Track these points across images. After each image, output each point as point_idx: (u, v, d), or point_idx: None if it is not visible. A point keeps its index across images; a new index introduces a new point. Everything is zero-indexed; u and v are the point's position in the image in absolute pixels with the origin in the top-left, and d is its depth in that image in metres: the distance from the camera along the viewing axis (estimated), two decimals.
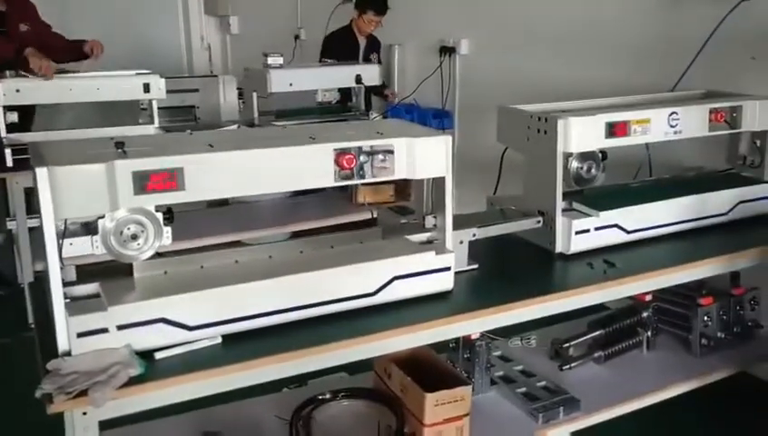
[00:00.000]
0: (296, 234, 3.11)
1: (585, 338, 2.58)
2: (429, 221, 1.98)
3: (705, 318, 2.60)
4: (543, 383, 2.39)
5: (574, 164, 2.26)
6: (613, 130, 2.22)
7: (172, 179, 1.54)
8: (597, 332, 2.59)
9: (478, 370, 2.36)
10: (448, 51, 4.66)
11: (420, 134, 1.84)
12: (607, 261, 2.17)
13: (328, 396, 2.24)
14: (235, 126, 3.99)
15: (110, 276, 1.64)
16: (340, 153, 1.71)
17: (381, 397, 2.24)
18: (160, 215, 1.60)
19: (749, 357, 2.64)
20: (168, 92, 4.85)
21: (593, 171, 2.29)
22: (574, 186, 2.29)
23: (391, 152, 1.77)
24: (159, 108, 4.72)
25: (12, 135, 3.56)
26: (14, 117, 3.57)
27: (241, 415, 2.17)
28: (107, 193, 1.47)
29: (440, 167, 1.85)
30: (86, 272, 1.64)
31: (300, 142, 1.72)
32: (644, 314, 2.64)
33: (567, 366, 2.48)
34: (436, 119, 4.62)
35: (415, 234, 1.98)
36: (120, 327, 1.51)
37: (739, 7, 2.92)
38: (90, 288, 1.60)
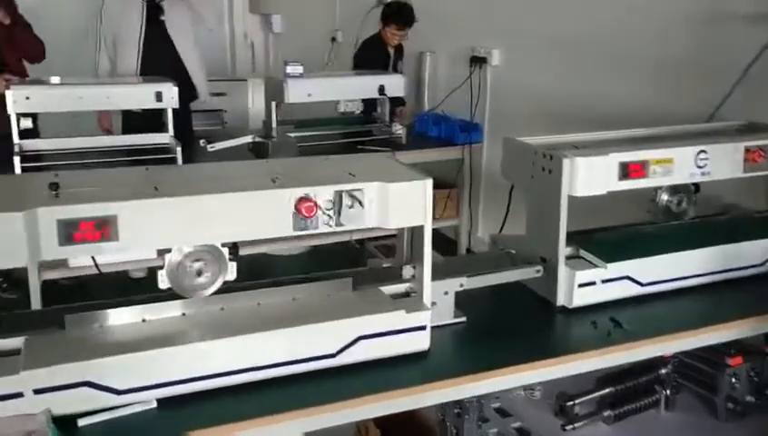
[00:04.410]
0: None
1: (593, 395, 2.35)
2: (407, 271, 1.78)
3: (733, 379, 2.33)
4: None
5: (663, 198, 2.16)
6: (627, 171, 1.97)
7: (104, 228, 1.38)
8: (608, 389, 2.35)
9: (468, 427, 2.15)
10: (478, 61, 4.43)
11: (397, 178, 1.64)
12: (614, 319, 1.93)
13: None
14: (250, 138, 3.85)
15: (42, 327, 1.50)
16: (301, 200, 1.53)
17: None
18: (225, 250, 1.55)
19: None
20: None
21: (683, 204, 2.20)
22: (661, 220, 2.20)
23: (360, 199, 1.58)
24: (191, 111, 4.68)
25: (23, 142, 3.51)
26: (27, 123, 3.52)
27: None
28: (26, 244, 1.33)
29: (418, 216, 1.64)
30: (19, 321, 1.51)
31: (257, 185, 1.54)
32: (664, 370, 2.39)
33: (571, 426, 2.26)
34: (463, 132, 4.39)
35: (391, 285, 1.79)
36: (37, 391, 1.37)
37: None
38: (14, 342, 1.46)
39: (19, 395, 1.36)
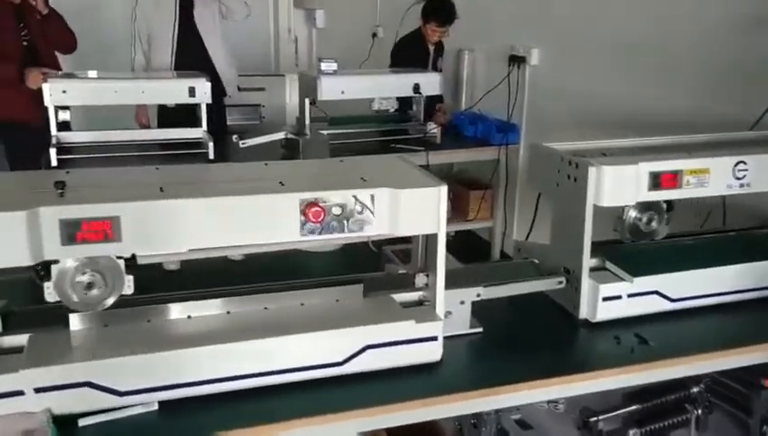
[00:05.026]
0: None
1: (619, 412, 2.25)
2: (420, 279, 1.73)
3: None
4: None
5: (631, 215, 1.95)
6: (658, 181, 1.87)
7: (106, 229, 1.37)
8: (635, 406, 2.25)
9: None
10: (517, 60, 4.33)
11: (410, 184, 1.58)
12: (639, 335, 1.84)
13: None
14: (282, 134, 3.84)
15: (47, 325, 1.50)
16: (308, 205, 1.49)
17: None
18: (122, 262, 1.44)
19: None
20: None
21: (653, 224, 1.97)
22: (628, 238, 1.98)
23: (369, 204, 1.53)
24: (226, 106, 4.71)
25: (60, 134, 3.58)
26: (65, 116, 3.58)
27: None
28: (28, 243, 1.32)
29: (430, 224, 1.59)
30: (22, 318, 1.51)
31: (265, 188, 1.51)
32: (695, 389, 2.27)
33: None
34: (500, 132, 4.30)
35: (405, 292, 1.74)
36: (38, 390, 1.37)
37: None
38: (17, 340, 1.46)
39: (20, 393, 1.36)
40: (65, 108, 3.54)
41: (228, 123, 4.69)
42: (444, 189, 1.59)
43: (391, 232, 1.58)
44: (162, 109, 4.32)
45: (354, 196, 1.52)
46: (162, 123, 4.30)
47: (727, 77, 3.01)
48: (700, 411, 2.26)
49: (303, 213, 1.49)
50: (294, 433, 1.49)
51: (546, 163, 2.01)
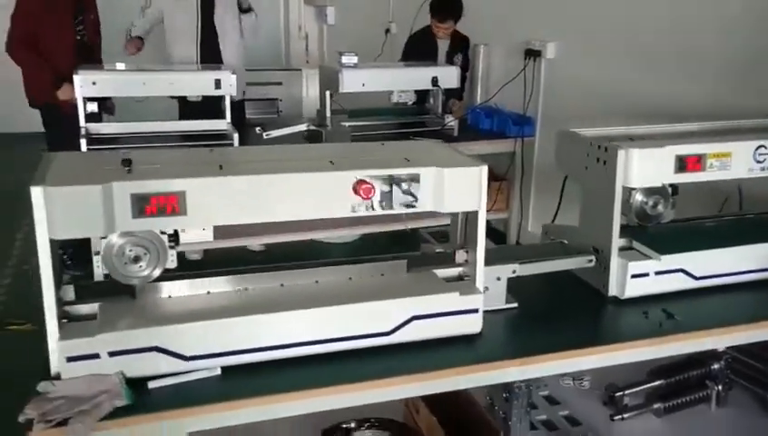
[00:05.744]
0: None
1: (643, 387, 2.34)
2: (460, 255, 1.82)
3: None
4: (589, 435, 2.19)
5: (637, 198, 2.03)
6: (684, 164, 1.96)
7: (173, 203, 1.46)
8: (658, 382, 2.34)
9: (516, 412, 2.18)
10: (533, 54, 4.41)
11: (453, 163, 1.68)
12: (666, 311, 1.93)
13: (353, 425, 2.15)
14: (305, 126, 3.93)
15: (114, 295, 1.59)
16: (359, 183, 1.58)
17: (407, 433, 2.11)
18: (165, 238, 1.53)
19: None
20: (253, 84, 4.94)
21: (659, 207, 2.05)
22: (635, 222, 2.06)
23: (417, 182, 1.62)
24: (245, 99, 4.81)
25: (90, 125, 3.67)
26: (93, 107, 3.68)
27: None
28: (103, 216, 1.41)
29: (473, 201, 1.68)
30: (90, 290, 1.60)
31: (317, 167, 1.60)
32: (716, 366, 2.36)
33: (620, 417, 2.26)
34: (516, 125, 4.39)
35: (445, 268, 1.83)
36: (111, 353, 1.46)
37: None
38: (89, 308, 1.55)
39: (95, 356, 1.45)
40: (94, 100, 3.64)
41: (246, 116, 4.80)
42: (485, 169, 1.68)
43: (436, 209, 1.67)
44: (183, 102, 4.41)
45: (402, 175, 1.60)
46: (184, 117, 4.40)
47: (745, 68, 3.09)
48: (720, 387, 2.36)
49: (354, 190, 1.58)
50: (345, 398, 1.58)
51: (574, 149, 2.10)
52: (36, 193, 1.37)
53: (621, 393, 2.29)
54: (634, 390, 2.31)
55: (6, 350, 3.46)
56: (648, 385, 2.33)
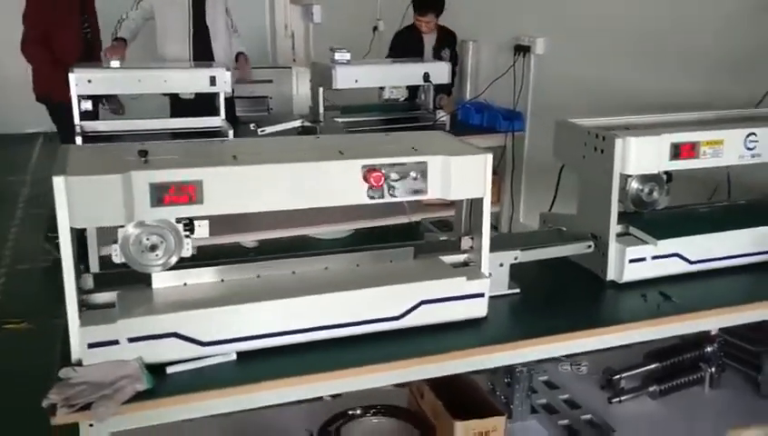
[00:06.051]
0: None
1: (639, 370, 2.41)
2: (466, 242, 1.87)
3: None
4: (588, 417, 2.25)
5: (633, 186, 2.10)
6: (679, 151, 2.03)
7: (191, 192, 1.50)
8: (654, 365, 2.41)
9: (518, 396, 2.24)
10: (522, 50, 4.48)
11: (458, 152, 1.73)
12: (663, 293, 2.00)
13: (358, 412, 2.19)
14: (298, 122, 3.97)
15: (130, 284, 1.62)
16: (369, 170, 1.62)
17: (413, 418, 2.16)
18: (180, 226, 1.57)
19: None
20: (242, 82, 4.95)
21: (654, 194, 2.11)
22: (631, 209, 2.12)
23: (424, 170, 1.67)
24: (235, 97, 4.83)
25: (84, 123, 3.68)
26: (87, 105, 3.69)
27: (268, 423, 2.14)
28: (123, 205, 1.45)
29: (478, 188, 1.73)
30: (106, 279, 1.63)
31: (327, 156, 1.64)
32: (709, 349, 2.44)
33: (617, 399, 2.32)
34: (506, 121, 4.45)
35: (450, 255, 1.88)
36: (131, 339, 1.49)
37: None
38: (107, 297, 1.58)
39: (115, 342, 1.48)
40: (88, 97, 3.65)
41: (237, 114, 4.82)
42: (490, 156, 1.74)
43: (443, 196, 1.72)
44: (175, 100, 4.43)
45: (410, 162, 1.65)
46: (175, 114, 4.41)
47: (730, 60, 3.17)
48: (713, 370, 2.43)
49: (365, 177, 1.63)
50: (357, 381, 1.63)
51: (572, 138, 2.16)
52: (58, 182, 1.40)
53: (618, 377, 2.35)
54: (630, 373, 2.38)
55: (7, 349, 3.48)
56: (644, 369, 2.39)
